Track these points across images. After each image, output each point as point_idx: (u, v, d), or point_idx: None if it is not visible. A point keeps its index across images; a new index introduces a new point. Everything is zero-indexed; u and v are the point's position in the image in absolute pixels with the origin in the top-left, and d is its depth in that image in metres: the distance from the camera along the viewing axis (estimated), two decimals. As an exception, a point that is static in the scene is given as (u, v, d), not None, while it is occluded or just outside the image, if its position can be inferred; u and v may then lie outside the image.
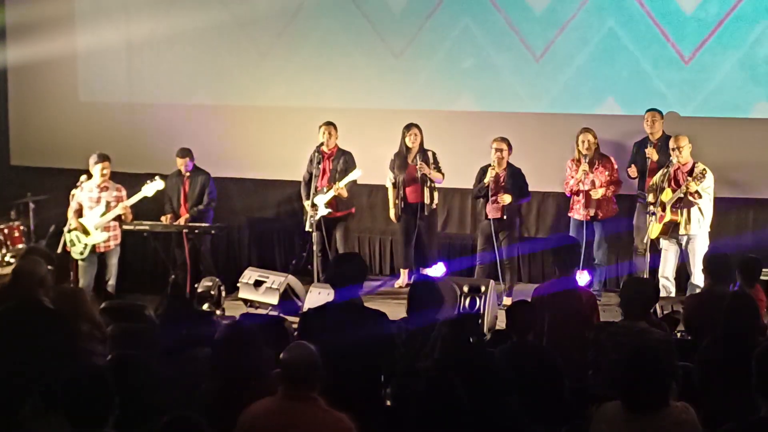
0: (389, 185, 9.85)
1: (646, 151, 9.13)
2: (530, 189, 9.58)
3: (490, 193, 9.19)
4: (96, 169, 9.29)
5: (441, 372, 4.73)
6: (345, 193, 9.53)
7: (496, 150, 9.22)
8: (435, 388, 4.40)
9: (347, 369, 4.98)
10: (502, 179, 9.26)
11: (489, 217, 9.26)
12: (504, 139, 9.28)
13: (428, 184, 9.62)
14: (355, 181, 9.62)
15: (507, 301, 9.01)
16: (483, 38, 10.17)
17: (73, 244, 9.30)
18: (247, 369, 4.72)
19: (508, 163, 9.31)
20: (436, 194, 9.73)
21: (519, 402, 5.14)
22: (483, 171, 9.30)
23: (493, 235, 9.25)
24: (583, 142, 9.18)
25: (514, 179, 9.28)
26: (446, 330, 5.31)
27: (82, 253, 9.29)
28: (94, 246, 9.33)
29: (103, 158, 9.31)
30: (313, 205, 9.46)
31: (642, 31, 9.70)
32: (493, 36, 10.13)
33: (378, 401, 5.29)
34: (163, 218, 9.85)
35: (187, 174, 9.91)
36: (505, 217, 9.25)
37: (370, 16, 10.51)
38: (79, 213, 9.36)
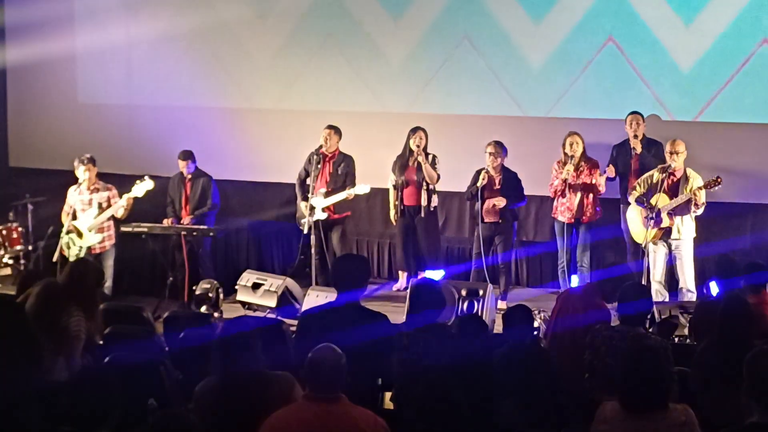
0: (390, 186, 9.87)
1: (631, 142, 9.15)
2: (529, 193, 9.58)
3: (483, 196, 9.23)
4: (80, 171, 9.30)
5: (439, 375, 4.73)
6: (351, 196, 9.60)
7: (490, 154, 9.26)
8: (433, 392, 4.40)
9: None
10: (497, 183, 9.31)
11: (485, 220, 9.31)
12: (498, 143, 9.31)
13: (426, 187, 9.63)
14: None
15: (502, 305, 9.01)
16: (483, 42, 10.17)
17: (69, 247, 9.31)
18: (244, 368, 4.69)
19: (503, 166, 9.35)
20: (435, 197, 9.74)
21: (515, 405, 5.14)
22: (478, 173, 9.35)
23: (489, 238, 9.33)
24: (571, 144, 9.21)
25: (510, 183, 9.32)
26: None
27: (77, 256, 9.29)
28: (89, 248, 9.34)
29: (86, 161, 9.32)
30: (311, 207, 9.46)
31: (640, 38, 9.70)
32: (494, 40, 10.14)
33: (374, 404, 5.28)
34: (165, 221, 9.85)
35: (189, 176, 9.91)
36: (501, 221, 9.30)
37: (372, 19, 10.52)
38: (73, 216, 9.38)
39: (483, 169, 9.30)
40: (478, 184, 9.23)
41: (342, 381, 4.40)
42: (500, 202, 9.23)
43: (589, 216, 9.26)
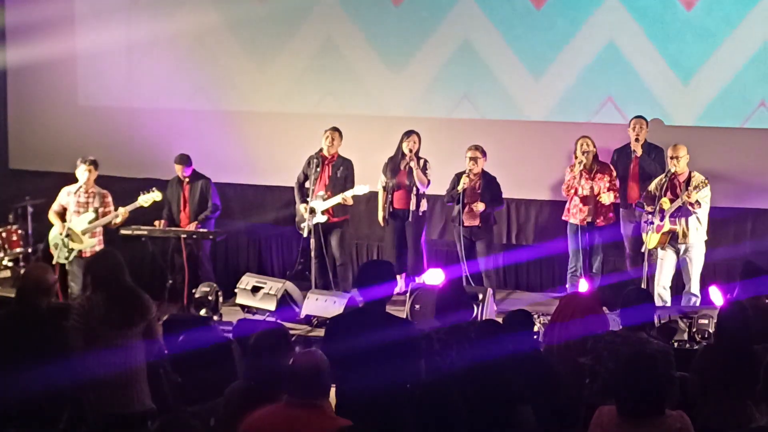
0: (379, 188, 9.87)
1: (632, 144, 9.17)
2: (528, 197, 9.61)
3: (463, 200, 9.26)
4: (80, 171, 9.27)
5: (437, 381, 4.73)
6: (351, 201, 9.58)
7: (470, 158, 9.29)
8: (430, 398, 4.39)
9: (373, 374, 4.99)
10: (477, 187, 9.33)
11: (464, 224, 9.33)
12: (478, 147, 9.36)
13: (415, 191, 9.63)
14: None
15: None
16: (482, 46, 10.17)
17: (58, 248, 9.25)
18: (276, 372, 4.71)
19: (483, 170, 9.37)
20: (424, 201, 9.74)
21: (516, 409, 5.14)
22: (458, 177, 9.38)
23: (469, 241, 9.37)
24: (581, 145, 9.26)
25: (489, 187, 9.34)
26: None
27: (67, 258, 9.25)
28: (79, 251, 9.29)
29: (89, 162, 9.30)
30: (311, 210, 9.46)
31: (640, 42, 9.71)
32: (493, 44, 10.14)
33: (402, 406, 5.27)
34: (156, 223, 9.81)
35: (187, 180, 9.90)
36: (480, 224, 9.33)
37: (370, 22, 10.52)
38: (62, 216, 9.35)
39: (463, 172, 9.33)
40: (459, 188, 9.27)
41: (322, 388, 4.39)
42: (479, 206, 9.26)
43: (604, 219, 9.28)
